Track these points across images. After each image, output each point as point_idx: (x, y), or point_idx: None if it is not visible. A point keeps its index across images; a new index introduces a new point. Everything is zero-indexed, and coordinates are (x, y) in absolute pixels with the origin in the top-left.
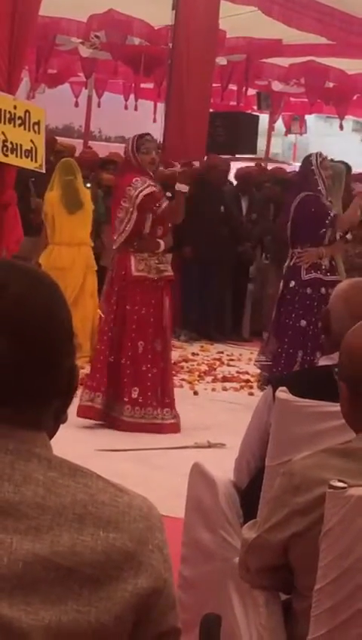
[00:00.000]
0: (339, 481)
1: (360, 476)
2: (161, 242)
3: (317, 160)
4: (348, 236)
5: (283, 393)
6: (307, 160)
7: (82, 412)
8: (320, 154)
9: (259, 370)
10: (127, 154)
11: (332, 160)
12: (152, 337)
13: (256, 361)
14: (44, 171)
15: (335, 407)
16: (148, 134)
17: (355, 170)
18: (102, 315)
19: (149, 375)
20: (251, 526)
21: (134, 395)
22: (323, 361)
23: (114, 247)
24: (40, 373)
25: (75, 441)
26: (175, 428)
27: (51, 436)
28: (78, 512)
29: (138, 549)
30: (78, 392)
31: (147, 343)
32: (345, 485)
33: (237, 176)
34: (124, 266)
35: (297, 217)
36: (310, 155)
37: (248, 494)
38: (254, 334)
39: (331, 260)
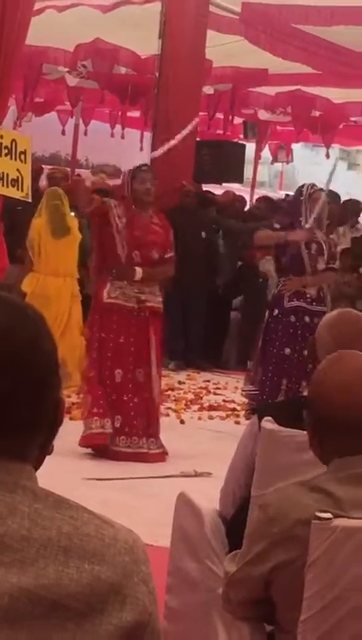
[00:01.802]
0: (323, 511)
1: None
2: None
3: (307, 191)
4: (336, 265)
5: (268, 423)
6: (298, 190)
7: (94, 440)
8: (313, 185)
9: (245, 399)
10: (124, 183)
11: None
12: (133, 367)
13: (242, 390)
14: (30, 200)
15: None
16: (145, 165)
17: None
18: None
19: (131, 405)
20: (232, 558)
21: (117, 424)
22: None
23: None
24: (25, 405)
25: (61, 469)
26: (161, 457)
27: (37, 468)
28: (63, 544)
29: (123, 582)
30: (82, 422)
31: (126, 372)
32: (331, 516)
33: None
34: (100, 293)
35: (278, 246)
36: (302, 185)
37: (234, 524)
38: (241, 363)
39: (319, 290)
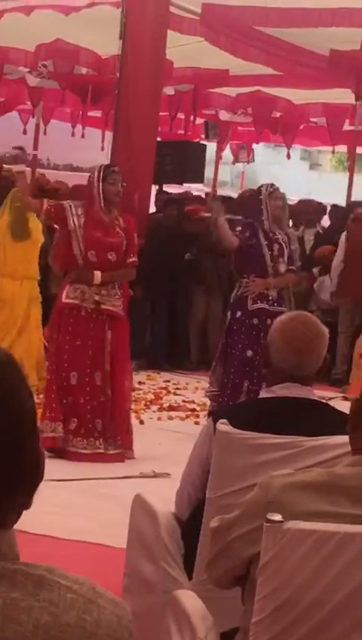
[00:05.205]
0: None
1: (334, 519)
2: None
3: (266, 190)
4: (296, 266)
5: (223, 425)
6: (257, 189)
7: (48, 443)
8: (272, 185)
9: (205, 400)
10: (91, 183)
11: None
12: (90, 370)
13: (206, 392)
14: None
15: (276, 440)
16: (115, 166)
17: (302, 197)
18: (46, 345)
19: (88, 408)
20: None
21: (72, 426)
22: (263, 394)
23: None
24: (2, 462)
25: None
26: (119, 458)
27: (12, 525)
28: None
29: None
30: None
31: (82, 375)
32: (282, 520)
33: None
34: (60, 295)
35: (240, 247)
36: (261, 185)
37: (189, 526)
38: (202, 364)
39: (280, 291)
